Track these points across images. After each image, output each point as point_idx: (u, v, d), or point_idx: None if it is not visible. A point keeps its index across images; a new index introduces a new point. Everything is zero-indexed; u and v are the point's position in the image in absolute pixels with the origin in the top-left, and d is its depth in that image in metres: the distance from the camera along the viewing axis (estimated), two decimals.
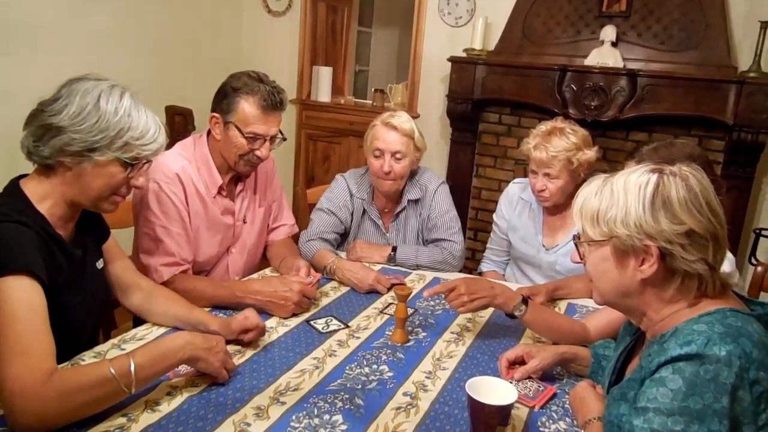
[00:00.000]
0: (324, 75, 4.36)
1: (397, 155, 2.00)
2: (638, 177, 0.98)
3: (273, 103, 1.71)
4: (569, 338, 1.47)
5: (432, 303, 1.74)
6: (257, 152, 1.74)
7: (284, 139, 1.82)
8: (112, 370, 1.06)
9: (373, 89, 4.50)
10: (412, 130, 2.03)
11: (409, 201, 2.12)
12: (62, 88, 1.24)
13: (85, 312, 1.33)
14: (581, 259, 1.08)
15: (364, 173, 2.17)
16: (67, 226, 1.30)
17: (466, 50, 3.67)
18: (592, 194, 1.02)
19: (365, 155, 2.10)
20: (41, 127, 1.20)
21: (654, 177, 0.96)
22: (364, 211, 2.15)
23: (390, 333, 1.52)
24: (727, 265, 1.45)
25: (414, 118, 3.99)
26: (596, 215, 1.00)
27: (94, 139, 1.20)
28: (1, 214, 1.14)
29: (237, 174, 1.84)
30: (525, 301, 1.45)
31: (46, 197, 1.24)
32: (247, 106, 1.70)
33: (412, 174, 2.13)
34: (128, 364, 1.08)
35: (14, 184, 1.25)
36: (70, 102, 1.20)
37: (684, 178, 0.96)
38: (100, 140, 1.21)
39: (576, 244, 1.08)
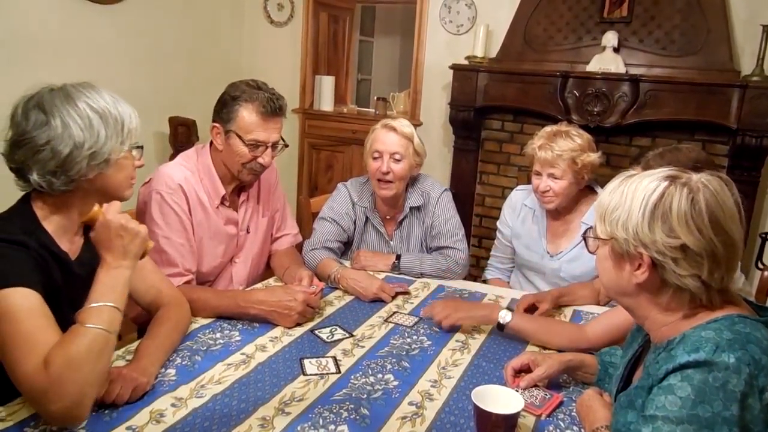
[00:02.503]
0: (326, 84, 4.38)
1: (396, 156, 2.00)
2: (649, 182, 0.96)
3: (272, 109, 1.71)
4: (562, 338, 1.50)
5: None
6: (260, 159, 1.75)
7: (286, 146, 1.83)
8: (89, 325, 1.05)
9: (375, 98, 4.52)
10: (411, 134, 2.04)
11: (411, 208, 2.11)
12: (31, 111, 1.16)
13: None
14: (592, 251, 1.08)
15: (365, 182, 2.17)
16: (75, 240, 1.29)
17: (467, 58, 3.68)
18: (609, 190, 1.02)
19: (364, 160, 2.10)
20: (54, 160, 1.15)
21: (662, 186, 0.94)
22: (367, 219, 2.15)
23: (394, 341, 1.51)
24: None
25: (416, 126, 4.01)
26: (605, 212, 1.01)
27: (113, 142, 1.20)
28: (5, 232, 1.13)
29: (240, 183, 1.84)
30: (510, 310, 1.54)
31: (56, 212, 1.22)
32: (246, 114, 1.70)
33: (413, 180, 2.13)
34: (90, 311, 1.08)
35: (25, 199, 1.23)
36: (66, 121, 1.15)
37: (693, 191, 0.93)
38: (116, 140, 1.21)
39: (585, 239, 1.09)
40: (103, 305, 1.08)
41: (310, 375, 1.33)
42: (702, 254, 0.92)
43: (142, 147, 1.30)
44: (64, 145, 1.15)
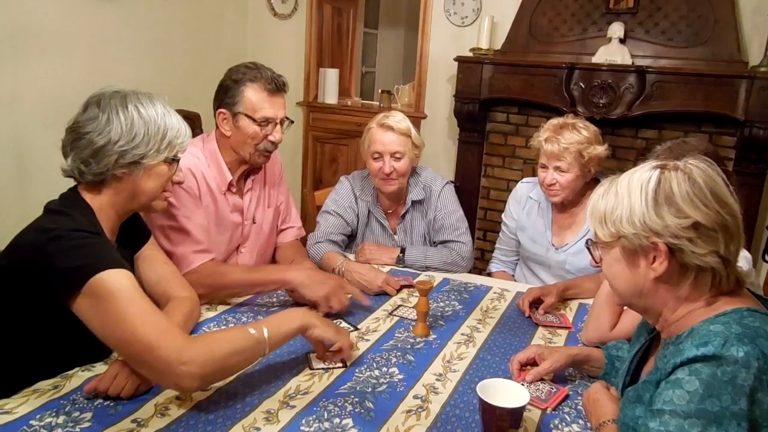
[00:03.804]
0: (330, 77, 4.36)
1: (397, 155, 2.00)
2: (641, 175, 0.98)
3: (277, 85, 1.74)
4: (597, 325, 1.50)
5: (441, 305, 1.73)
6: (270, 137, 1.76)
7: (292, 122, 1.85)
8: (252, 331, 1.19)
9: (379, 90, 4.50)
10: (408, 129, 2.03)
11: (413, 202, 2.11)
12: (90, 105, 1.27)
13: None
14: (597, 262, 1.07)
15: (368, 175, 2.16)
16: (112, 240, 1.34)
17: (472, 50, 3.65)
18: (600, 196, 1.02)
19: (363, 159, 2.09)
20: (89, 149, 1.24)
21: (656, 174, 0.96)
22: (370, 212, 2.14)
23: (399, 334, 1.51)
24: (744, 263, 1.43)
25: (421, 118, 4.02)
26: (604, 216, 1.00)
27: (147, 148, 1.27)
28: (81, 227, 1.20)
29: (247, 169, 1.86)
30: None
31: (100, 211, 1.29)
32: (252, 93, 1.72)
33: (414, 173, 2.12)
34: (262, 329, 1.20)
35: (77, 195, 1.29)
36: (111, 118, 1.25)
37: (687, 172, 0.95)
38: (151, 147, 1.28)
39: (588, 248, 1.08)
40: (266, 333, 1.20)
41: (316, 369, 1.32)
42: (715, 228, 0.92)
43: (178, 160, 1.36)
44: (101, 138, 1.24)
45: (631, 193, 0.96)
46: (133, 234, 1.43)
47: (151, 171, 1.31)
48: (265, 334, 1.19)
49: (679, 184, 0.94)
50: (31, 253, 1.16)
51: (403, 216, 2.13)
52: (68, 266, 1.13)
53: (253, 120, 1.72)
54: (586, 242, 1.09)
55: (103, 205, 1.30)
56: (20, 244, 1.20)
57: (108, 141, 1.24)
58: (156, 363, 1.09)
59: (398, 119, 2.03)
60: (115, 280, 1.13)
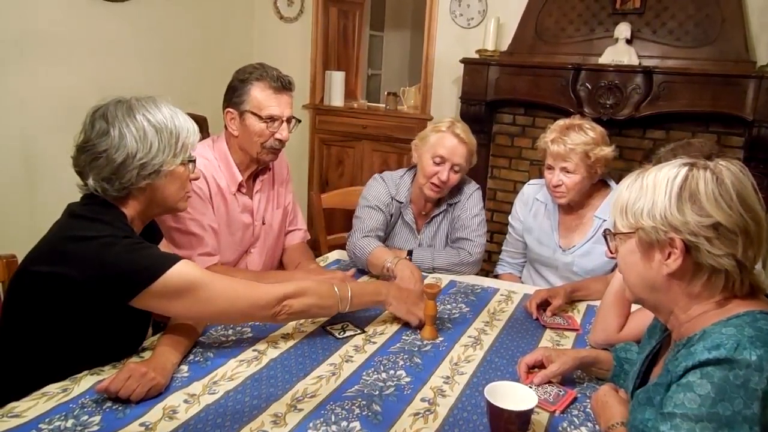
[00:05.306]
0: (336, 79, 4.36)
1: (456, 167, 1.99)
2: (668, 170, 0.97)
3: (282, 83, 1.76)
4: (602, 326, 1.49)
5: (449, 307, 1.73)
6: (277, 135, 1.77)
7: (299, 121, 1.86)
8: (337, 290, 1.43)
9: (385, 92, 4.50)
10: (475, 146, 2.03)
11: (448, 204, 2.11)
12: (97, 120, 1.26)
13: (143, 320, 1.38)
14: (612, 253, 1.07)
15: (402, 175, 2.15)
16: None
17: (478, 51, 3.65)
18: (626, 187, 1.02)
19: (417, 153, 2.05)
20: (109, 167, 1.25)
21: (684, 170, 0.95)
22: (401, 213, 2.14)
23: (406, 337, 1.51)
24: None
25: (427, 120, 4.01)
26: (625, 207, 1.00)
27: (165, 155, 1.29)
28: (125, 233, 1.25)
29: (256, 169, 1.87)
30: None
31: (131, 216, 1.32)
32: (258, 92, 1.74)
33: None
34: (347, 290, 1.44)
35: (106, 202, 1.29)
36: (122, 131, 1.25)
37: (716, 172, 0.94)
38: (168, 153, 1.29)
39: (605, 237, 1.08)
40: (349, 293, 1.45)
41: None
42: (736, 231, 0.91)
43: (194, 160, 1.39)
44: (119, 154, 1.24)
45: (656, 187, 0.96)
46: (149, 236, 1.44)
47: (171, 176, 1.33)
48: (349, 295, 1.43)
49: (706, 183, 0.93)
50: (83, 259, 1.18)
51: (432, 218, 2.13)
52: (134, 268, 1.18)
53: (259, 117, 1.74)
54: (604, 232, 1.09)
55: (130, 213, 1.31)
56: (62, 251, 1.20)
57: (126, 156, 1.24)
58: (259, 312, 1.33)
59: (467, 131, 2.02)
60: (187, 272, 1.22)
